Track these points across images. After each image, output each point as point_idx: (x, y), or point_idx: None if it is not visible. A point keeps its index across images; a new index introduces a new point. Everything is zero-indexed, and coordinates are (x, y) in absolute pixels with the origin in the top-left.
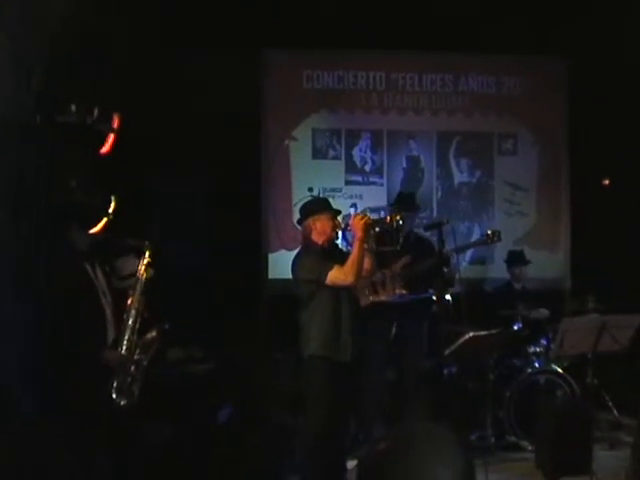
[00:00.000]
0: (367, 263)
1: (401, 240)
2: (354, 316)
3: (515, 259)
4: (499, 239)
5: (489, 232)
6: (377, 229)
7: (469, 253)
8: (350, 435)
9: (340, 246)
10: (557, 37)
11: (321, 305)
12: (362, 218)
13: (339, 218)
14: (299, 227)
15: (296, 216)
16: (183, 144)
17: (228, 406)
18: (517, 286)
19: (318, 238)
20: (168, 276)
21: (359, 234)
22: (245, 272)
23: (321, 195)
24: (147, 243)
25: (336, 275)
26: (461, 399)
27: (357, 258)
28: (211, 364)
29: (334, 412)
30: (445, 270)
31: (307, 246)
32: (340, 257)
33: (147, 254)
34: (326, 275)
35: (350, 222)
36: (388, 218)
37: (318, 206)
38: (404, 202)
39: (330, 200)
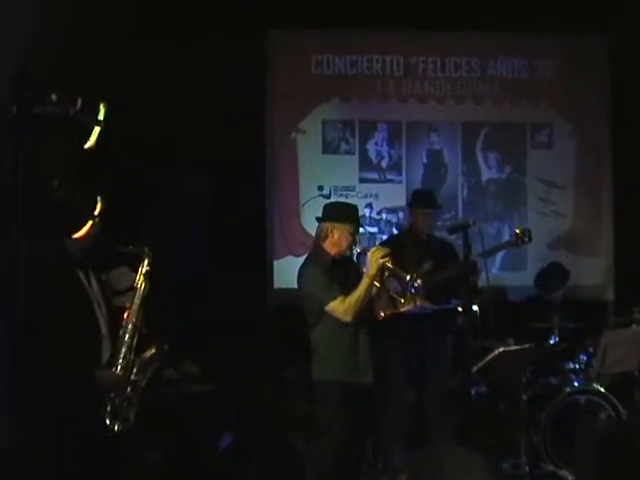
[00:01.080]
0: (374, 290)
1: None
2: (371, 333)
3: (550, 280)
4: (530, 239)
5: (517, 231)
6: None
7: (498, 258)
8: (367, 463)
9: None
10: (597, 12)
11: (332, 324)
12: (383, 257)
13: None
14: (308, 230)
15: (304, 218)
16: (179, 138)
17: (228, 436)
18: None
19: (330, 248)
20: (162, 285)
21: (372, 271)
22: (248, 281)
23: (333, 194)
24: (147, 250)
25: (336, 307)
26: (491, 422)
27: (362, 296)
28: (211, 384)
29: (349, 438)
30: (471, 278)
31: (316, 253)
32: (352, 272)
33: (146, 262)
34: (328, 302)
35: (368, 254)
36: (408, 277)
37: (342, 214)
38: (421, 199)
39: (342, 200)
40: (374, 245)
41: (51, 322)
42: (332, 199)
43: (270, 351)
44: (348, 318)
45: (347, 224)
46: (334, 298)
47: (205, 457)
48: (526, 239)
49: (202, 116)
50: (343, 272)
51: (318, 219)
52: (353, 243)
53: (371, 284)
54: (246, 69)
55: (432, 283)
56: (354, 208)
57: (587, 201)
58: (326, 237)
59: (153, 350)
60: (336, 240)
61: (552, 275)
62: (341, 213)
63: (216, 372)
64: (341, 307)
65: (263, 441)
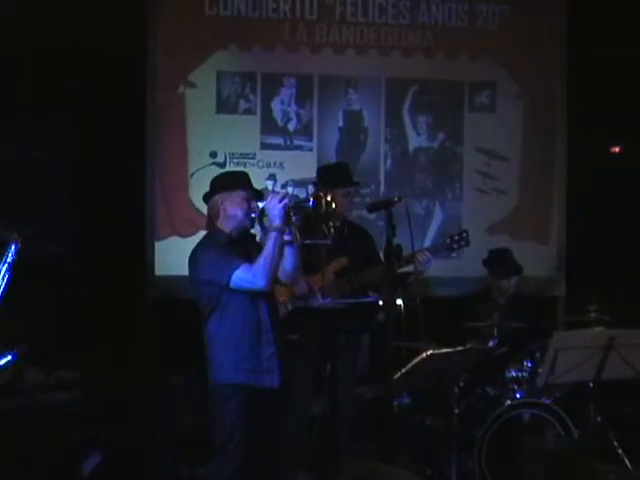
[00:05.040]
0: (289, 262)
1: (332, 231)
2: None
3: (500, 264)
4: (467, 244)
5: (455, 235)
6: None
7: (427, 244)
8: None
9: (258, 238)
10: None
11: (231, 316)
12: (281, 200)
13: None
14: (197, 205)
15: (193, 190)
16: (36, 89)
17: (94, 455)
18: (500, 300)
19: (226, 224)
20: (14, 273)
21: (276, 222)
22: (123, 267)
23: (228, 163)
24: (15, 234)
25: (242, 276)
26: (415, 440)
27: (271, 254)
28: (75, 391)
29: (252, 457)
30: (395, 264)
31: (210, 235)
32: (256, 252)
33: (13, 250)
34: (230, 276)
35: (266, 206)
36: (310, 200)
37: (230, 181)
38: (334, 175)
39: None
40: None
41: None
42: (227, 168)
43: (150, 353)
44: (261, 282)
45: (238, 190)
46: (237, 267)
47: None
48: (463, 243)
49: (69, 62)
50: (243, 249)
51: (205, 197)
52: (251, 210)
53: (280, 237)
54: (123, 5)
55: (352, 285)
56: (242, 173)
57: (535, 177)
58: (218, 213)
59: (9, 356)
60: (230, 212)
61: (505, 259)
62: (227, 180)
63: (81, 378)
64: (248, 274)
65: (138, 463)
